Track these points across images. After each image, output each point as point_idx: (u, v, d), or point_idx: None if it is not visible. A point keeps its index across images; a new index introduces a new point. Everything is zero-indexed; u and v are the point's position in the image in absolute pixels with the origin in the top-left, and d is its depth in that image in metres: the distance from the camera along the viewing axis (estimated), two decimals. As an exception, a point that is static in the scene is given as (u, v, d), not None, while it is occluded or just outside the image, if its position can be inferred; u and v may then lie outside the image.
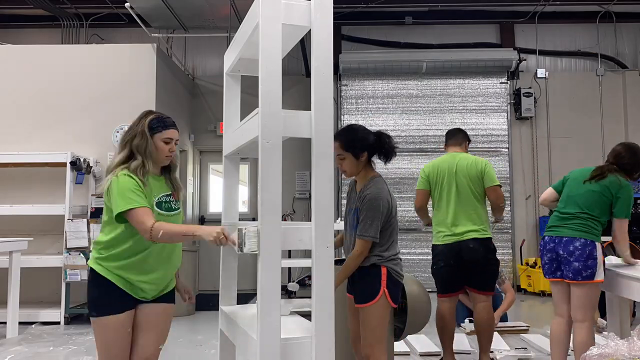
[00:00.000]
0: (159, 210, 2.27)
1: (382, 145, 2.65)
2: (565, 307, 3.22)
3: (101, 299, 2.22)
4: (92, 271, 2.26)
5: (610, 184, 3.16)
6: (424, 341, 4.52)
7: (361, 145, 2.61)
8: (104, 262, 2.23)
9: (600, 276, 3.08)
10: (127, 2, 6.14)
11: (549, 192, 3.50)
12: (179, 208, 2.36)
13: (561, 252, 3.16)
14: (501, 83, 7.89)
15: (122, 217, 2.14)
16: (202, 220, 8.06)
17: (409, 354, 4.22)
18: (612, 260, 3.48)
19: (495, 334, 4.80)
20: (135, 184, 2.17)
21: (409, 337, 4.59)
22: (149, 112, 2.34)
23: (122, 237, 2.22)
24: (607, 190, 3.16)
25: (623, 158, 3.23)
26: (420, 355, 4.18)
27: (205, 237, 1.96)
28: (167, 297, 2.39)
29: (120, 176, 2.18)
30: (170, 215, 2.31)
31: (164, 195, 2.31)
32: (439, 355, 4.17)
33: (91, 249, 2.44)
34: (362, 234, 2.55)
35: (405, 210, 7.69)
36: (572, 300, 3.14)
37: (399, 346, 4.29)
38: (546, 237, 3.28)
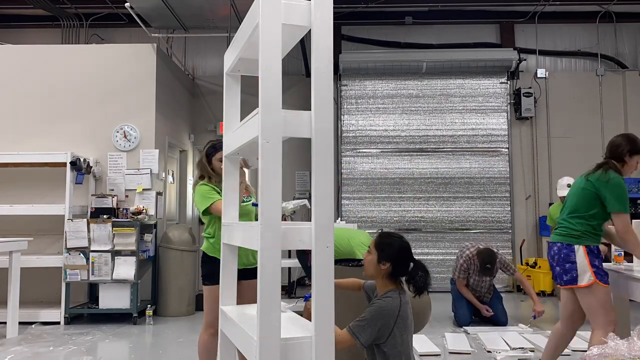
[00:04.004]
0: None
1: (413, 275, 2.45)
2: (565, 313, 3.21)
3: (212, 271, 2.98)
4: (205, 254, 3.07)
5: (595, 178, 3.00)
6: (424, 341, 4.52)
7: (387, 255, 2.38)
8: (216, 245, 3.01)
9: (584, 280, 2.93)
10: (127, 2, 6.14)
11: None
12: (249, 200, 3.14)
13: (549, 258, 3.19)
14: (501, 83, 7.89)
15: (207, 212, 3.02)
16: (201, 220, 8.05)
17: (409, 354, 4.22)
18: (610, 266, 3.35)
19: (495, 333, 4.80)
20: (209, 189, 3.04)
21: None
22: (208, 142, 3.16)
23: (219, 226, 2.99)
24: (590, 184, 3.00)
25: (619, 147, 3.06)
26: (420, 355, 4.17)
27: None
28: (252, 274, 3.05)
29: (198, 186, 3.05)
30: (241, 205, 3.04)
31: None
32: (439, 355, 4.18)
33: (203, 235, 3.14)
34: (354, 330, 2.30)
35: (406, 210, 7.69)
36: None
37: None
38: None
